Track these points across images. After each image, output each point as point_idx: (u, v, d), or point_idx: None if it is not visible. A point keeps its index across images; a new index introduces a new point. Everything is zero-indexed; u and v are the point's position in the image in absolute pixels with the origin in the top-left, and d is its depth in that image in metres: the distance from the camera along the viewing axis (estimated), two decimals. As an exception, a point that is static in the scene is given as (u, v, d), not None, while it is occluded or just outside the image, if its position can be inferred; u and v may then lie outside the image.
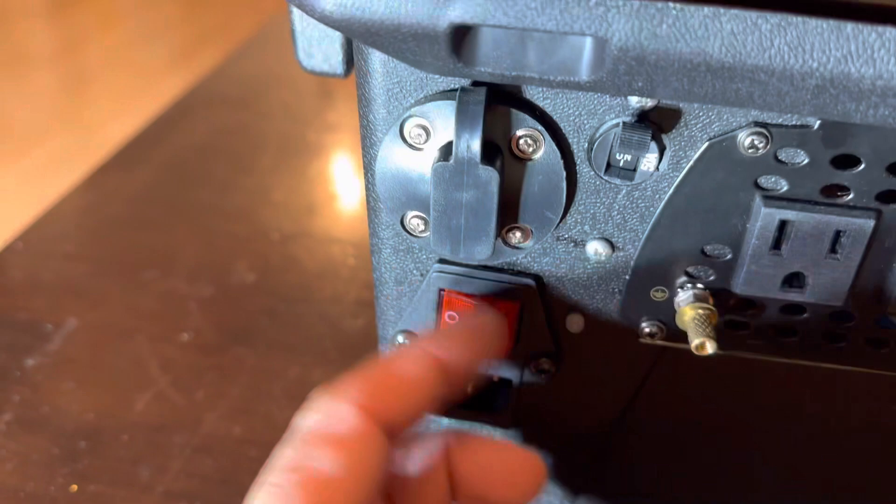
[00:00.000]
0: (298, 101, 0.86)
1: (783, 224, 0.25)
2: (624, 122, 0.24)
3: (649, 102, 0.24)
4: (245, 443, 0.44)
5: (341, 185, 0.70)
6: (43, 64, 2.42)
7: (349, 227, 0.65)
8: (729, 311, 0.28)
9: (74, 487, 0.41)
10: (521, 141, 0.25)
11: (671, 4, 0.19)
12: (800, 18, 0.19)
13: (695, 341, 0.26)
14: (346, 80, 0.28)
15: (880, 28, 0.19)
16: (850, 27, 0.19)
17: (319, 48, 0.26)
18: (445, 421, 0.34)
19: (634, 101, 0.24)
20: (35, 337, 0.51)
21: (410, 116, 0.25)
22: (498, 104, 0.24)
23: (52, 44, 2.59)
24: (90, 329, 0.52)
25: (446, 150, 0.25)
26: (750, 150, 0.24)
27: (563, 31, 0.20)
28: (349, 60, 0.27)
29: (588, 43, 0.21)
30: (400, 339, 0.31)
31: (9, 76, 2.27)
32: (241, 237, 0.62)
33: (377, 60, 0.25)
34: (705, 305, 0.27)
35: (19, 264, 0.58)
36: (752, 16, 0.19)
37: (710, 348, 0.26)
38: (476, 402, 0.34)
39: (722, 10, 0.19)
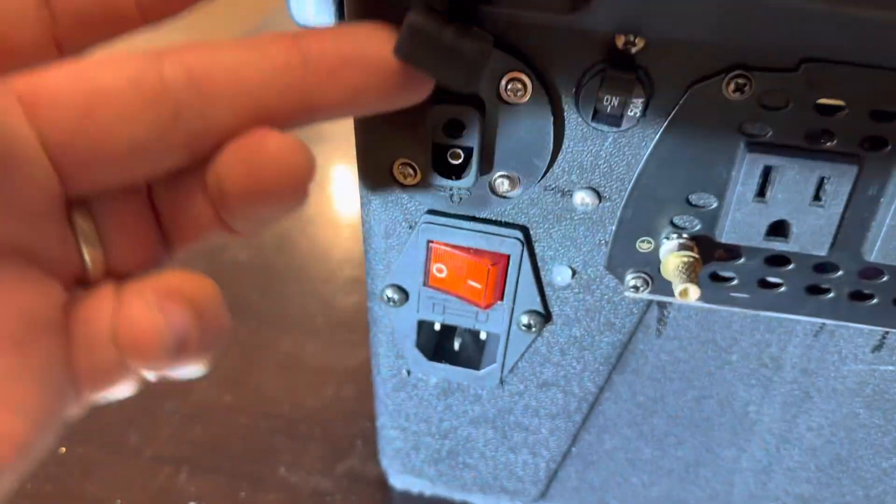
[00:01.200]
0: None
1: (767, 171, 0.25)
2: (610, 65, 0.24)
3: (636, 44, 0.24)
4: (235, 410, 0.44)
5: (336, 168, 0.71)
6: (44, 64, 2.43)
7: (344, 209, 0.65)
8: (713, 261, 0.28)
9: (63, 450, 0.41)
10: (509, 85, 0.25)
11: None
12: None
13: (679, 287, 0.27)
14: None
15: None
16: None
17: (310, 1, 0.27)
18: (434, 380, 0.35)
19: (621, 44, 0.24)
20: (27, 308, 0.51)
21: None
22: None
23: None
24: (83, 301, 0.52)
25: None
26: (734, 94, 0.24)
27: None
28: (340, 10, 0.27)
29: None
30: (389, 293, 0.32)
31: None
32: (235, 217, 0.62)
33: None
34: (690, 254, 0.27)
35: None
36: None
37: (693, 294, 0.26)
38: (463, 358, 0.34)
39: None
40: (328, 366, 0.47)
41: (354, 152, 0.29)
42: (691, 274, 0.27)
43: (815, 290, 0.29)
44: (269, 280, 0.55)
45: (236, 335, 0.49)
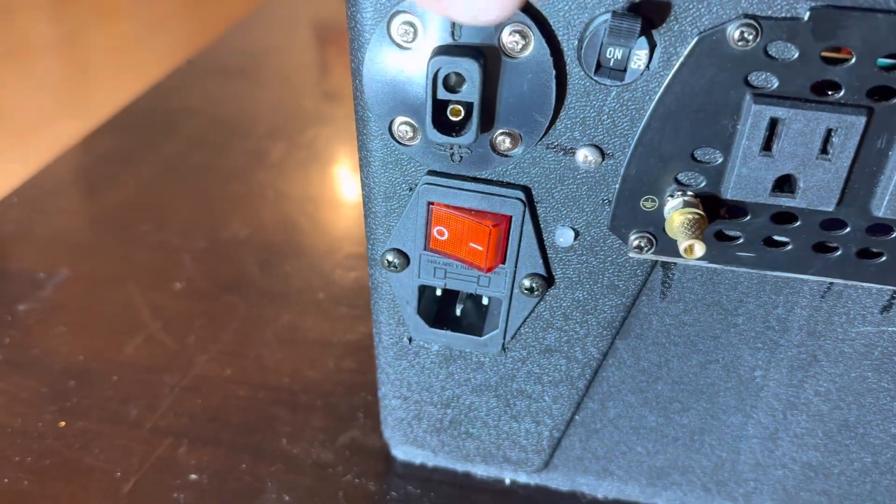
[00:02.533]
0: (296, 71, 0.86)
1: (774, 123, 0.25)
2: (614, 11, 0.24)
3: (639, -8, 0.24)
4: (235, 383, 0.44)
5: (336, 149, 0.70)
6: (45, 54, 2.42)
7: (344, 188, 0.65)
8: (719, 219, 0.28)
9: (62, 423, 0.41)
10: (510, 37, 0.25)
11: None
12: None
13: (683, 244, 0.26)
14: (343, 53, 0.28)
15: None
16: None
17: None
18: (435, 348, 0.34)
19: (624, -8, 0.24)
20: (27, 285, 0.50)
21: (398, 13, 0.25)
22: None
23: (54, 34, 2.59)
24: (82, 278, 0.51)
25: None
26: (740, 44, 0.24)
27: None
28: None
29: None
30: (390, 257, 0.31)
31: (12, 65, 2.27)
32: (235, 196, 0.62)
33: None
34: (695, 210, 0.27)
35: (13, 218, 0.58)
36: None
37: (699, 251, 0.26)
38: (465, 325, 0.33)
39: None
40: (329, 339, 0.47)
41: (354, 134, 0.29)
42: (696, 231, 0.26)
43: (822, 247, 0.28)
44: (270, 256, 0.54)
45: (236, 309, 0.49)
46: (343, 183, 0.66)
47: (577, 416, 0.35)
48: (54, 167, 0.64)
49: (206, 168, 0.65)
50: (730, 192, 0.26)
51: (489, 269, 0.30)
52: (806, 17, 0.23)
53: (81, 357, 0.45)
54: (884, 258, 0.28)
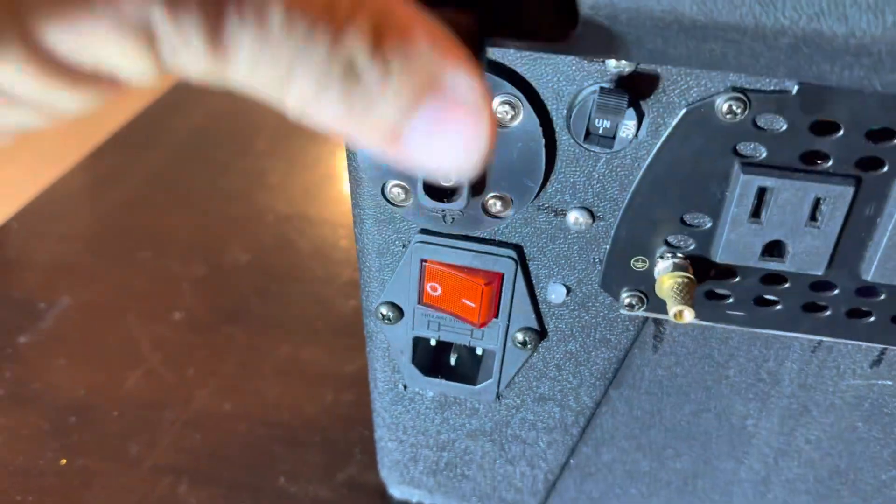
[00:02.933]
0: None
1: (762, 191, 0.25)
2: (601, 87, 0.24)
3: (626, 67, 0.24)
4: (235, 418, 0.44)
5: (336, 168, 0.70)
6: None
7: (343, 210, 0.65)
8: (709, 280, 0.28)
9: (63, 462, 0.41)
10: (500, 107, 0.25)
11: (642, -39, 0.19)
12: (771, -25, 0.19)
13: (673, 309, 0.26)
14: None
15: None
16: None
17: None
18: (430, 394, 0.34)
19: (612, 66, 0.24)
20: (28, 315, 0.51)
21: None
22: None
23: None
24: (83, 308, 0.52)
25: None
26: (728, 116, 0.24)
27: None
28: None
29: (560, 2, 0.21)
30: (384, 310, 0.31)
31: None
32: (235, 218, 0.62)
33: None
34: (684, 274, 0.27)
35: (14, 244, 0.58)
36: (722, -27, 0.19)
37: (688, 316, 0.26)
38: (460, 373, 0.34)
39: (692, -34, 0.19)
40: (327, 372, 0.47)
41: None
42: (686, 295, 0.27)
43: (811, 307, 0.28)
44: (269, 282, 0.55)
45: (235, 340, 0.49)
46: (342, 203, 0.66)
47: (571, 461, 0.36)
48: (54, 189, 0.65)
49: (206, 188, 0.66)
50: (719, 255, 0.27)
51: (482, 325, 0.30)
52: (794, 91, 0.23)
53: (82, 391, 0.45)
54: (872, 318, 0.28)
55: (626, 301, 0.29)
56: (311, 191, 0.66)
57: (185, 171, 0.68)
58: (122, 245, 0.58)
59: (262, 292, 0.54)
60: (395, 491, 0.40)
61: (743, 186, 0.25)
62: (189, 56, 0.14)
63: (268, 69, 0.14)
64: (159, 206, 0.63)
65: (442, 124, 0.15)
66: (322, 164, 0.71)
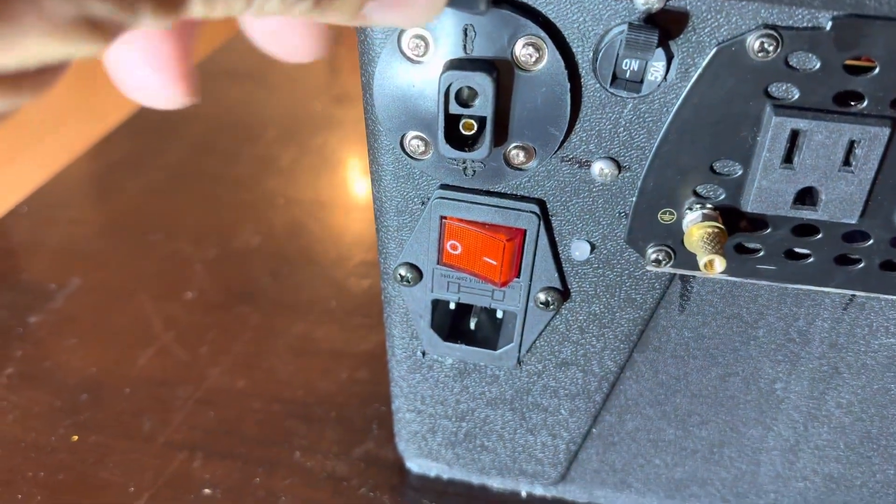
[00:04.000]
0: (305, 75, 0.85)
1: (795, 135, 0.24)
2: (630, 24, 0.23)
3: (656, 4, 0.23)
4: (248, 396, 0.43)
5: (347, 153, 0.70)
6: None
7: (354, 193, 0.64)
8: (739, 232, 0.27)
9: (75, 438, 0.41)
10: (524, 50, 0.24)
11: None
12: None
13: (703, 259, 0.26)
14: (353, 53, 0.27)
15: None
16: None
17: None
18: (449, 361, 0.34)
19: (641, 3, 0.23)
20: (38, 296, 0.50)
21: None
22: (498, 7, 0.24)
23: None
24: (94, 289, 0.51)
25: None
26: (760, 55, 0.23)
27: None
28: None
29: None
30: (402, 271, 0.31)
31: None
32: (246, 203, 0.61)
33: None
34: (714, 224, 0.26)
35: (24, 228, 0.58)
36: None
37: (719, 266, 0.25)
38: (480, 338, 0.33)
39: None
40: (342, 350, 0.47)
41: (364, 137, 0.29)
42: (716, 245, 0.26)
43: (844, 260, 0.27)
44: (282, 265, 0.54)
45: (248, 320, 0.49)
46: (353, 187, 0.65)
47: (594, 429, 0.35)
48: (64, 175, 0.64)
49: (216, 174, 0.65)
50: (750, 204, 0.26)
51: (503, 284, 0.30)
52: (828, 27, 0.23)
53: (94, 370, 0.45)
54: (909, 270, 0.27)
55: (653, 257, 0.28)
56: (322, 176, 0.66)
57: (196, 157, 0.68)
58: (133, 228, 0.58)
59: (274, 273, 0.53)
60: (413, 465, 0.39)
61: (775, 129, 0.24)
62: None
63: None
64: (170, 191, 0.63)
65: None
66: (332, 150, 0.70)
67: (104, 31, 0.13)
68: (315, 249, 0.56)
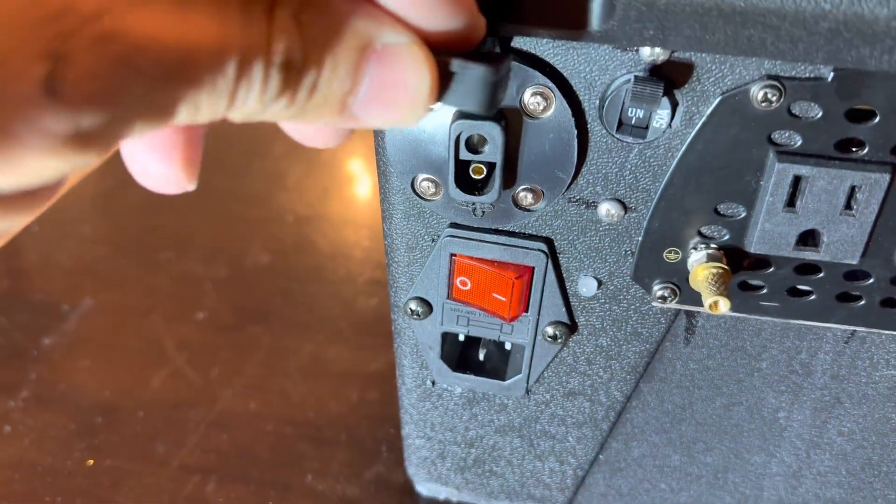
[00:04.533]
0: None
1: (797, 180, 0.25)
2: (636, 76, 0.24)
3: (661, 55, 0.24)
4: (260, 418, 0.44)
5: (354, 169, 0.70)
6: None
7: (363, 209, 0.65)
8: (743, 271, 0.28)
9: (91, 462, 0.41)
10: (532, 98, 0.25)
11: (681, -53, 0.19)
12: (812, -41, 0.19)
13: (708, 300, 0.26)
14: None
15: None
16: None
17: None
18: (458, 390, 0.34)
19: (646, 55, 0.24)
20: (51, 317, 0.51)
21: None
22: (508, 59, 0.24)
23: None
24: (106, 309, 0.52)
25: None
26: (763, 104, 0.24)
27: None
28: None
29: (597, -10, 0.21)
30: (412, 306, 0.31)
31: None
32: (255, 220, 0.62)
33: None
34: (718, 265, 0.27)
35: (35, 247, 0.58)
36: (763, -43, 0.19)
37: (723, 307, 0.26)
38: (489, 368, 0.34)
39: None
40: (352, 370, 0.47)
41: (372, 153, 0.29)
42: (720, 286, 0.26)
43: (846, 297, 0.28)
44: (291, 283, 0.55)
45: (259, 340, 0.49)
46: (361, 203, 0.66)
47: (601, 456, 0.36)
48: (74, 193, 0.65)
49: (225, 191, 0.66)
50: (753, 246, 0.26)
51: (512, 319, 0.30)
52: (830, 78, 0.23)
53: (108, 392, 0.46)
54: (909, 307, 0.28)
55: (659, 293, 0.29)
56: (330, 192, 0.67)
57: (205, 173, 0.68)
58: (144, 247, 0.58)
59: (284, 292, 0.54)
60: (423, 488, 0.40)
61: (778, 175, 0.25)
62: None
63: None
64: (180, 209, 0.63)
65: (382, 85, 0.17)
66: (340, 165, 0.71)
67: (99, 143, 0.14)
68: (324, 267, 0.57)
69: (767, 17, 0.20)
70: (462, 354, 0.34)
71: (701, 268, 0.27)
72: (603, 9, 0.21)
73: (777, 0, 0.19)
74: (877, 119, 0.24)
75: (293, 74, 0.16)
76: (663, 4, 0.20)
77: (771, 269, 0.28)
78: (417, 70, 0.17)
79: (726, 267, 0.27)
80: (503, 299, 0.30)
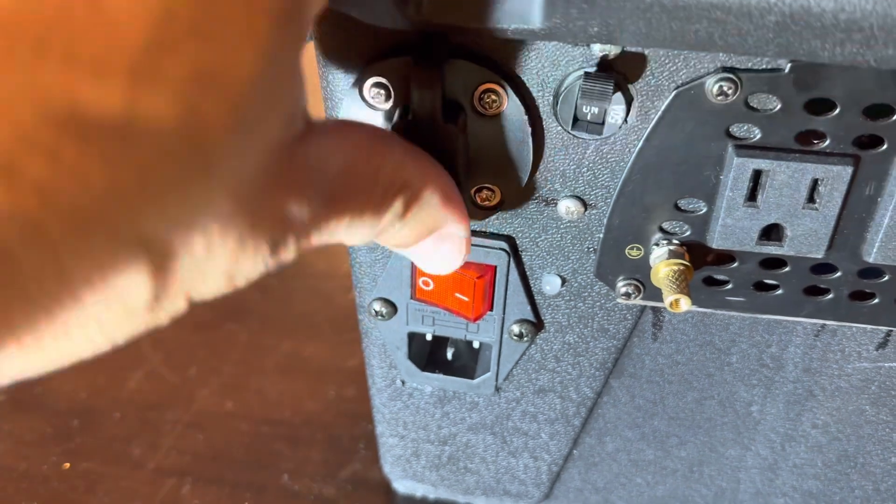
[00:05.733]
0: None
1: (757, 174, 0.24)
2: (586, 72, 0.23)
3: (612, 50, 0.23)
4: (237, 418, 0.44)
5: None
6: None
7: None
8: (706, 266, 0.27)
9: (67, 466, 0.41)
10: (484, 96, 0.24)
11: (619, -59, 0.19)
12: (755, -50, 0.18)
13: (669, 298, 0.26)
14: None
15: None
16: None
17: None
18: (429, 389, 0.34)
19: (597, 50, 0.23)
20: (29, 319, 0.51)
21: (369, 76, 0.25)
22: (457, 58, 0.24)
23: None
24: (83, 309, 0.52)
25: (405, 110, 0.24)
26: (719, 98, 0.23)
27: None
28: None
29: (537, -14, 0.20)
30: (377, 306, 0.31)
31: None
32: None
33: (331, 17, 0.24)
34: (680, 262, 0.26)
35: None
36: (703, -51, 0.18)
37: (684, 305, 0.26)
38: (457, 367, 0.33)
39: (671, -56, 0.18)
40: (329, 366, 0.47)
41: None
42: (682, 283, 0.26)
43: (813, 291, 0.27)
44: (269, 278, 0.54)
45: (236, 338, 0.49)
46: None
47: (574, 451, 0.35)
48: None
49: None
50: (715, 241, 0.26)
51: (476, 318, 0.30)
52: (787, 69, 0.23)
53: (84, 394, 0.45)
54: (876, 300, 0.27)
55: (623, 290, 0.28)
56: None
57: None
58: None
59: (262, 288, 0.53)
60: (400, 486, 0.40)
61: (737, 170, 0.24)
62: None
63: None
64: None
65: (436, 249, 0.24)
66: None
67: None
68: (302, 262, 0.56)
69: (712, 12, 0.19)
70: (430, 353, 0.33)
71: (662, 264, 0.26)
72: (544, 6, 0.20)
73: (721, -6, 0.19)
74: (837, 110, 0.23)
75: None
76: (603, 1, 0.19)
77: (735, 265, 0.27)
78: (460, 254, 0.24)
79: (688, 264, 0.26)
80: (466, 299, 0.29)
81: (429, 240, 0.23)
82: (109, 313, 0.16)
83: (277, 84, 0.16)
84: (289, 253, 0.20)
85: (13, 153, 0.12)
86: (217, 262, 0.17)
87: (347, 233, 0.21)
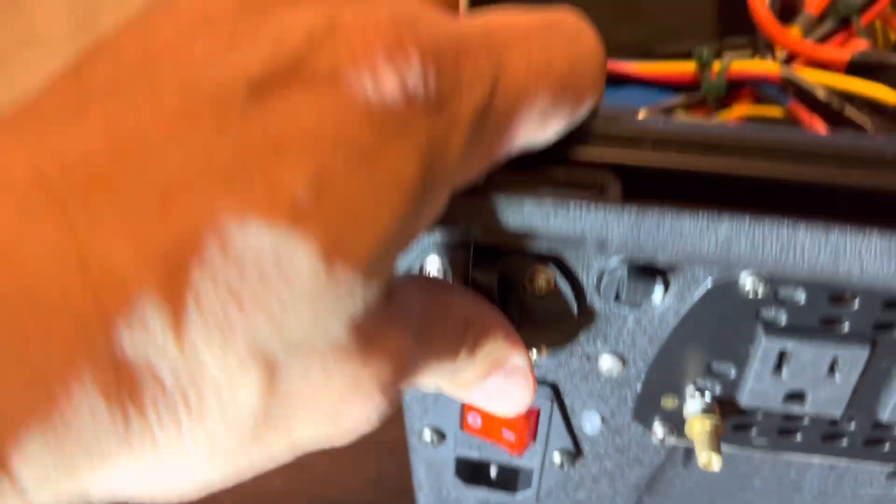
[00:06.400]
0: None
1: (783, 351, 0.27)
2: (630, 268, 0.26)
3: (654, 253, 0.25)
4: (288, 495, 0.47)
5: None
6: (58, 42, 2.42)
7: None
8: (735, 415, 0.30)
9: None
10: (535, 281, 0.27)
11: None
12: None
13: (702, 456, 0.28)
14: None
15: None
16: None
17: None
18: (473, 500, 0.37)
19: (639, 252, 0.25)
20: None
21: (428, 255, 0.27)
22: (512, 253, 0.26)
23: (67, 22, 2.58)
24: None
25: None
26: (751, 294, 0.26)
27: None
28: None
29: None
30: (427, 435, 0.34)
31: (24, 54, 2.27)
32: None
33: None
34: (713, 421, 0.29)
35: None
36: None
37: (716, 465, 0.28)
38: (500, 482, 0.36)
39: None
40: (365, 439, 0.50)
41: None
42: (713, 440, 0.28)
43: (830, 437, 0.30)
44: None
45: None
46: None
47: (607, 553, 0.38)
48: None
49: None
50: (744, 401, 0.29)
51: (521, 452, 0.32)
52: (812, 270, 0.25)
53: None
54: (887, 447, 0.30)
55: (659, 432, 0.31)
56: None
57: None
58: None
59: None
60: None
61: (765, 349, 0.27)
62: None
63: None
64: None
65: (505, 384, 0.24)
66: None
67: None
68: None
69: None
70: (475, 468, 0.36)
71: (696, 420, 0.29)
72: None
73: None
74: (856, 304, 0.25)
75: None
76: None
77: (761, 418, 0.30)
78: (528, 388, 0.25)
79: (720, 420, 0.29)
80: (513, 437, 0.32)
81: (498, 377, 0.24)
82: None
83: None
84: (392, 395, 0.20)
85: None
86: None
87: (428, 374, 0.22)
